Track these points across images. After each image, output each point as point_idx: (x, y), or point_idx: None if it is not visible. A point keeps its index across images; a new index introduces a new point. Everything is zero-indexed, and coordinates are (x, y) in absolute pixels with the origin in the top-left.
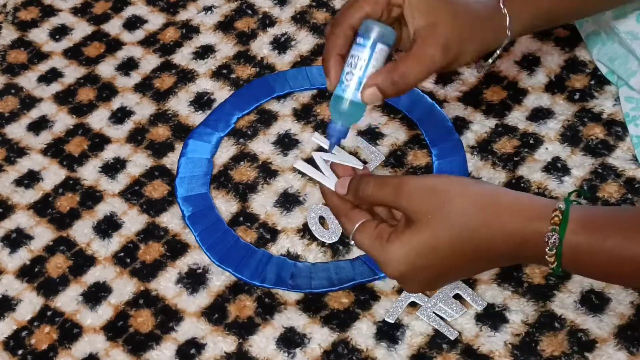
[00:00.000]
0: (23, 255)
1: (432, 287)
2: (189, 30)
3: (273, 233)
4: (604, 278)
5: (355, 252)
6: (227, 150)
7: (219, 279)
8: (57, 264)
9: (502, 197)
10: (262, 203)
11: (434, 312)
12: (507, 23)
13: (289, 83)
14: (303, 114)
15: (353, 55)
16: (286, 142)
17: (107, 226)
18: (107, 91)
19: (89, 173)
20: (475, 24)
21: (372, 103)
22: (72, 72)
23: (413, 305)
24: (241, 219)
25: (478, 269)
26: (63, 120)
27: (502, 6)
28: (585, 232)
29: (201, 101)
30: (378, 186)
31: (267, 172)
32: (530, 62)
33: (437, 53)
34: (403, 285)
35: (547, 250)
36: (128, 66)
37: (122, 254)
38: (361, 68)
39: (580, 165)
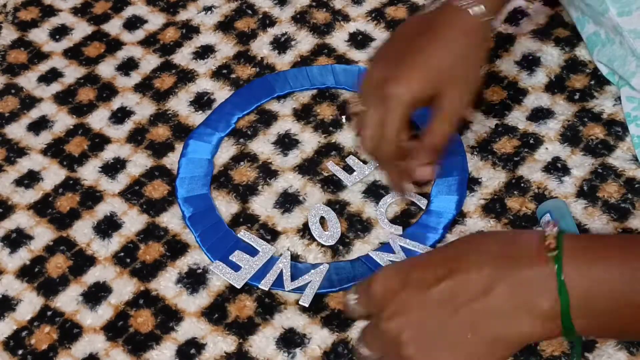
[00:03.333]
0: (23, 255)
1: None
2: (189, 30)
3: (273, 234)
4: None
5: (355, 253)
6: (227, 151)
7: (219, 279)
8: (57, 264)
9: (500, 234)
10: (262, 204)
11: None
12: (490, 21)
13: (289, 83)
14: (303, 114)
15: None
16: (286, 142)
17: (107, 226)
18: (107, 91)
19: (89, 173)
20: (467, 56)
21: (428, 177)
22: (72, 72)
23: None
24: (241, 219)
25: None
26: (63, 120)
27: (472, 14)
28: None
29: (201, 101)
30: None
31: (267, 172)
32: (530, 62)
33: (458, 112)
34: None
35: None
36: (128, 66)
37: (122, 254)
38: None
39: (580, 165)
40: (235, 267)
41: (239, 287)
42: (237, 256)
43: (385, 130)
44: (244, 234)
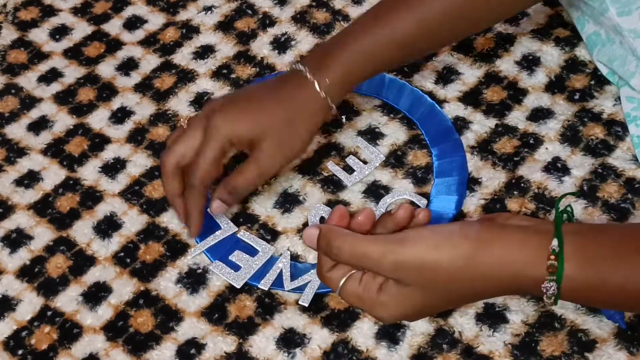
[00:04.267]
0: (23, 255)
1: (431, 314)
2: (189, 30)
3: (273, 234)
4: (604, 306)
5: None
6: None
7: (219, 279)
8: (57, 264)
9: (494, 246)
10: (262, 204)
11: None
12: (330, 102)
13: None
14: None
15: None
16: None
17: (107, 226)
18: (107, 91)
19: (89, 173)
20: (303, 123)
21: (219, 213)
22: (72, 72)
23: None
24: (241, 219)
25: (472, 304)
26: (63, 120)
27: (318, 90)
28: (584, 271)
29: (201, 101)
30: (356, 257)
31: None
32: (530, 62)
33: (265, 168)
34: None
35: (545, 298)
36: (128, 66)
37: (122, 254)
38: None
39: (580, 165)
40: (235, 267)
41: (238, 286)
42: (236, 256)
43: (201, 157)
44: (243, 234)
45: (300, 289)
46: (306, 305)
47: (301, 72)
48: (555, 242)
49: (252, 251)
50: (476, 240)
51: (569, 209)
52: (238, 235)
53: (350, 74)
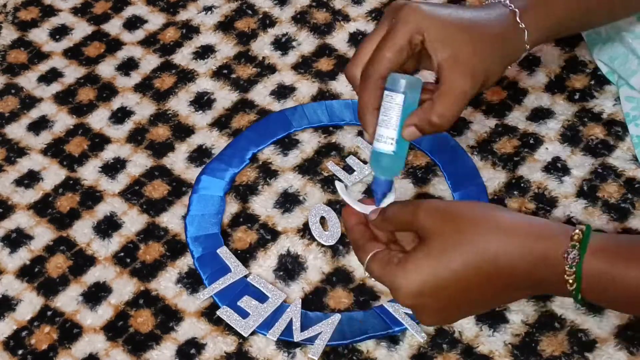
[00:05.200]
0: (23, 255)
1: (449, 317)
2: (189, 30)
3: (273, 234)
4: (627, 309)
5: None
6: None
7: None
8: (57, 264)
9: (520, 221)
10: (262, 204)
11: (405, 312)
12: (525, 37)
13: (306, 117)
14: None
15: (386, 109)
16: (286, 142)
17: (107, 226)
18: (107, 91)
19: (89, 173)
20: (495, 45)
21: (412, 139)
22: (72, 72)
23: None
24: (241, 219)
25: (496, 297)
26: (63, 120)
27: (518, 21)
28: (607, 258)
29: (201, 101)
30: (400, 206)
31: (267, 172)
32: (530, 62)
33: (467, 85)
34: (417, 314)
35: (566, 268)
36: (128, 66)
37: (122, 254)
38: (396, 122)
39: (580, 165)
40: (244, 314)
41: (245, 335)
42: (245, 302)
43: (381, 45)
44: (253, 278)
45: (310, 340)
46: (316, 359)
47: (504, 1)
48: (582, 226)
49: (261, 297)
50: (504, 210)
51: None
52: (248, 279)
53: (550, 18)
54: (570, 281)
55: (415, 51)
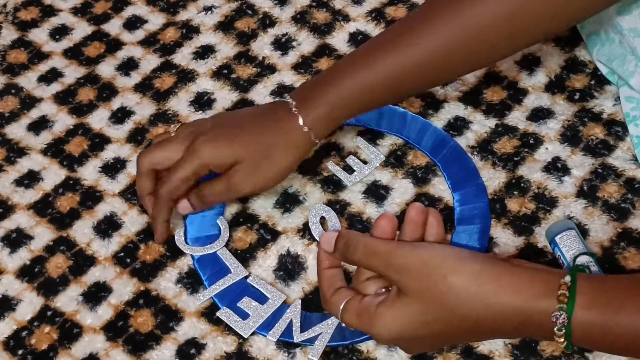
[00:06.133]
0: (23, 255)
1: (434, 348)
2: (189, 30)
3: (273, 234)
4: (622, 352)
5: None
6: None
7: None
8: (57, 264)
9: (502, 273)
10: (262, 203)
11: None
12: (313, 137)
13: None
14: None
15: None
16: None
17: (107, 226)
18: (107, 91)
19: (89, 173)
20: (278, 157)
21: (184, 213)
22: (72, 72)
23: None
24: (241, 219)
25: (483, 337)
26: (63, 120)
27: (301, 124)
28: (596, 307)
29: (201, 101)
30: (367, 254)
31: None
32: (530, 62)
33: (233, 191)
34: (402, 349)
35: (555, 330)
36: (128, 66)
37: (122, 254)
38: None
39: (580, 165)
40: (244, 315)
41: (245, 336)
42: (245, 303)
43: (174, 173)
44: (253, 279)
45: (310, 341)
46: (316, 359)
47: (287, 104)
48: (567, 278)
49: (261, 298)
50: (485, 263)
51: (586, 270)
52: (248, 280)
53: (335, 112)
54: (561, 340)
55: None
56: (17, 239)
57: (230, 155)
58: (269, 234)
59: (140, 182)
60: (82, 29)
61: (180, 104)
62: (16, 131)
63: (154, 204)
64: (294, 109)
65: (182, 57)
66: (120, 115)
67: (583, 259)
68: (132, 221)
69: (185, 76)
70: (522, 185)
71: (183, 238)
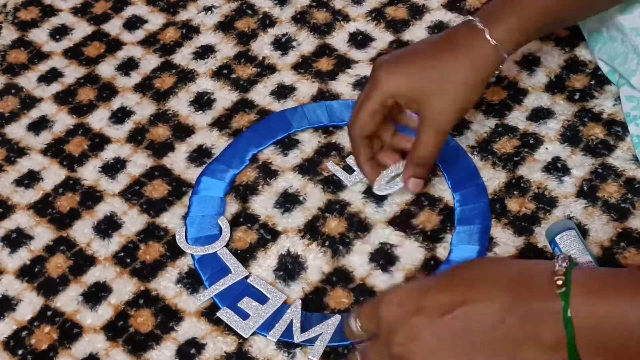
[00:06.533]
0: (23, 255)
1: None
2: (189, 30)
3: (273, 234)
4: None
5: (355, 253)
6: None
7: None
8: (57, 264)
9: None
10: (262, 203)
11: None
12: (501, 50)
13: (306, 118)
14: None
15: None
16: (286, 142)
17: (107, 226)
18: (107, 91)
19: (89, 173)
20: (465, 76)
21: (418, 190)
22: (72, 72)
23: None
24: (241, 219)
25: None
26: (63, 120)
27: (488, 38)
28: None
29: (201, 101)
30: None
31: (267, 172)
32: (530, 62)
33: (438, 137)
34: None
35: (556, 269)
36: (128, 66)
37: (122, 254)
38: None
39: (580, 165)
40: (244, 315)
41: (246, 336)
42: (246, 303)
43: (359, 109)
44: (253, 279)
45: (310, 342)
46: (316, 359)
47: (470, 22)
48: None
49: (262, 298)
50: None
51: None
52: (248, 280)
53: (524, 23)
54: (559, 284)
55: (390, 107)
56: (17, 239)
57: (414, 84)
58: (269, 234)
59: (356, 151)
60: (82, 29)
61: (180, 104)
62: (16, 131)
63: (352, 148)
64: (479, 25)
65: (182, 57)
66: (120, 115)
67: (583, 259)
68: (132, 221)
69: (185, 76)
70: (522, 185)
71: (184, 238)
